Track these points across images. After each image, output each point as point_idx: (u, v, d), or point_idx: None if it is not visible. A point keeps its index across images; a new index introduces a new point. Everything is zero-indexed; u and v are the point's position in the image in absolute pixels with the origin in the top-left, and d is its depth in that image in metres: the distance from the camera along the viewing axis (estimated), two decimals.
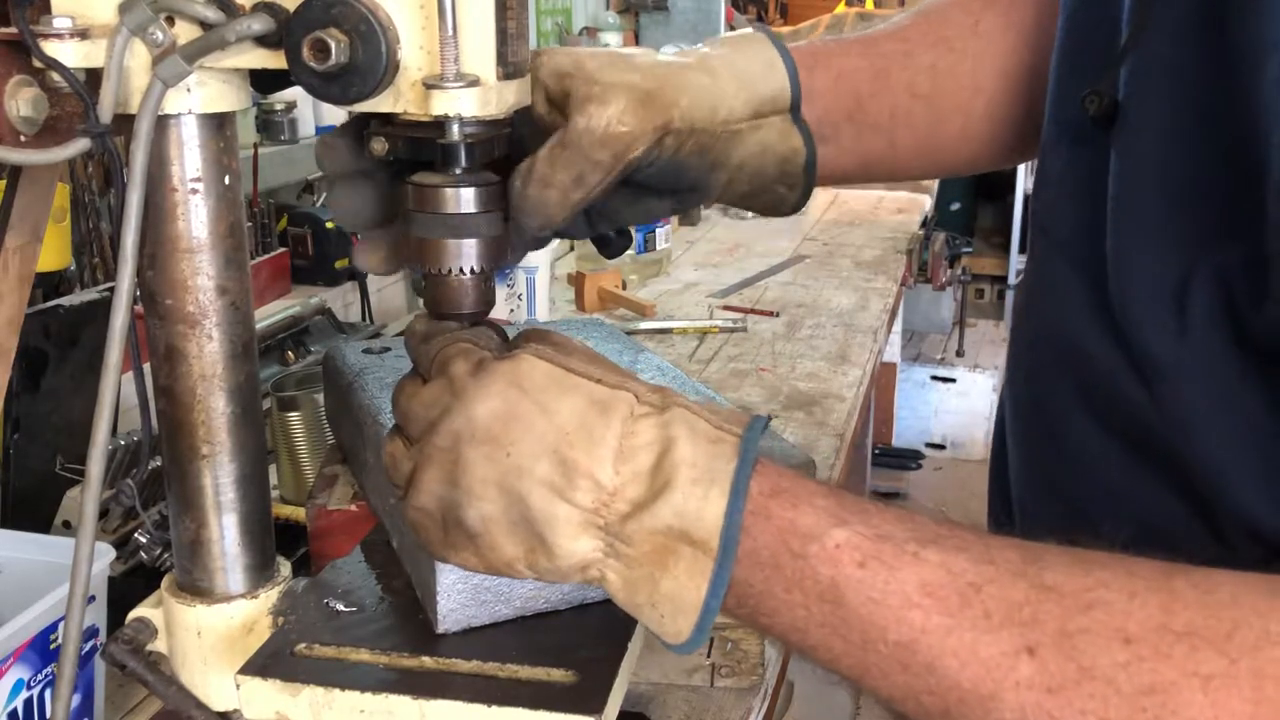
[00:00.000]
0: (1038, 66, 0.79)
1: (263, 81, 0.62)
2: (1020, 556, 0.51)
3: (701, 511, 0.53)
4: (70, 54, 0.58)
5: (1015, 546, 0.52)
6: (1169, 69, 0.60)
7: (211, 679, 0.68)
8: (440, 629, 0.65)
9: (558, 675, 0.61)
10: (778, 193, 0.75)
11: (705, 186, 0.72)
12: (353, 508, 0.85)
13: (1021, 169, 4.86)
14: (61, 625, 0.65)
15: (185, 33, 0.58)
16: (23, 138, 0.60)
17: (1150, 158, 0.61)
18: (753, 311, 2.07)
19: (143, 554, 1.02)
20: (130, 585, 0.93)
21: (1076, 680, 0.47)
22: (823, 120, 0.77)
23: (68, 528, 1.09)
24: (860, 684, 0.53)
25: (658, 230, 2.29)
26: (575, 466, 0.54)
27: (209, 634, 0.68)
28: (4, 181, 0.66)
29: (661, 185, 0.70)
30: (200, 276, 0.63)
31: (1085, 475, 0.66)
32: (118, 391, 0.61)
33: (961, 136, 0.83)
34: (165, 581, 0.70)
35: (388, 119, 0.60)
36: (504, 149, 0.62)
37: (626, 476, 0.54)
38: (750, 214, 1.90)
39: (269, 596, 0.69)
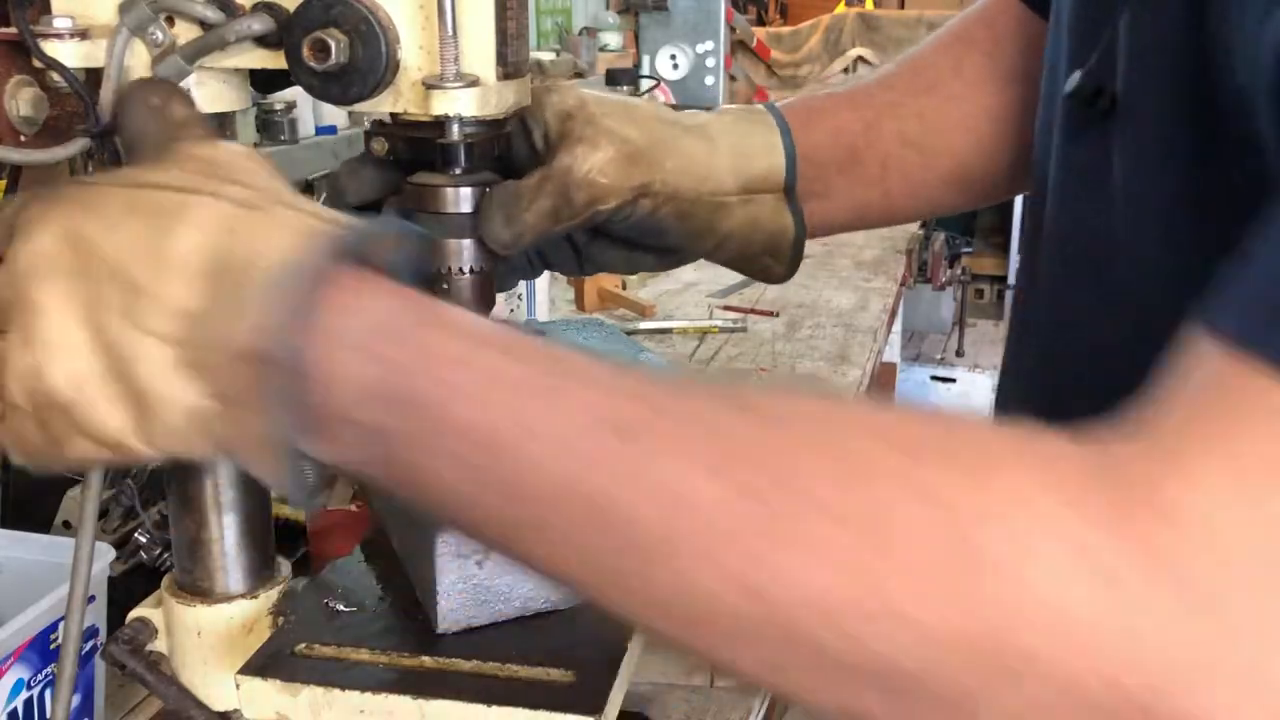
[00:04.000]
0: (1026, 101, 0.80)
1: (263, 81, 0.62)
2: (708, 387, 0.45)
3: (252, 315, 0.44)
4: (70, 54, 0.58)
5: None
6: (1159, 48, 0.58)
7: (211, 679, 0.68)
8: (440, 629, 0.65)
9: (557, 675, 0.61)
10: (764, 263, 0.76)
11: (686, 250, 0.73)
12: (353, 508, 0.85)
13: None
14: (61, 625, 0.65)
15: (185, 33, 0.58)
16: (23, 138, 0.60)
17: (1151, 143, 0.59)
18: (753, 311, 2.07)
19: (142, 554, 1.02)
20: (130, 585, 0.93)
21: (794, 513, 0.39)
22: (817, 176, 0.78)
23: (68, 528, 1.09)
24: (513, 547, 0.46)
25: None
26: (143, 289, 0.45)
27: (209, 634, 0.68)
28: (4, 181, 0.66)
29: (642, 241, 0.72)
30: None
31: None
32: None
33: (952, 178, 0.84)
34: (165, 581, 0.70)
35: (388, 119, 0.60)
36: (504, 148, 0.63)
37: (204, 293, 0.45)
38: None
39: (269, 596, 0.69)
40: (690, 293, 2.21)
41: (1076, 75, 0.64)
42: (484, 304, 0.63)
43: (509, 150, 0.65)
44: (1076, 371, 0.67)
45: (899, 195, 0.83)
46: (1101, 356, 0.63)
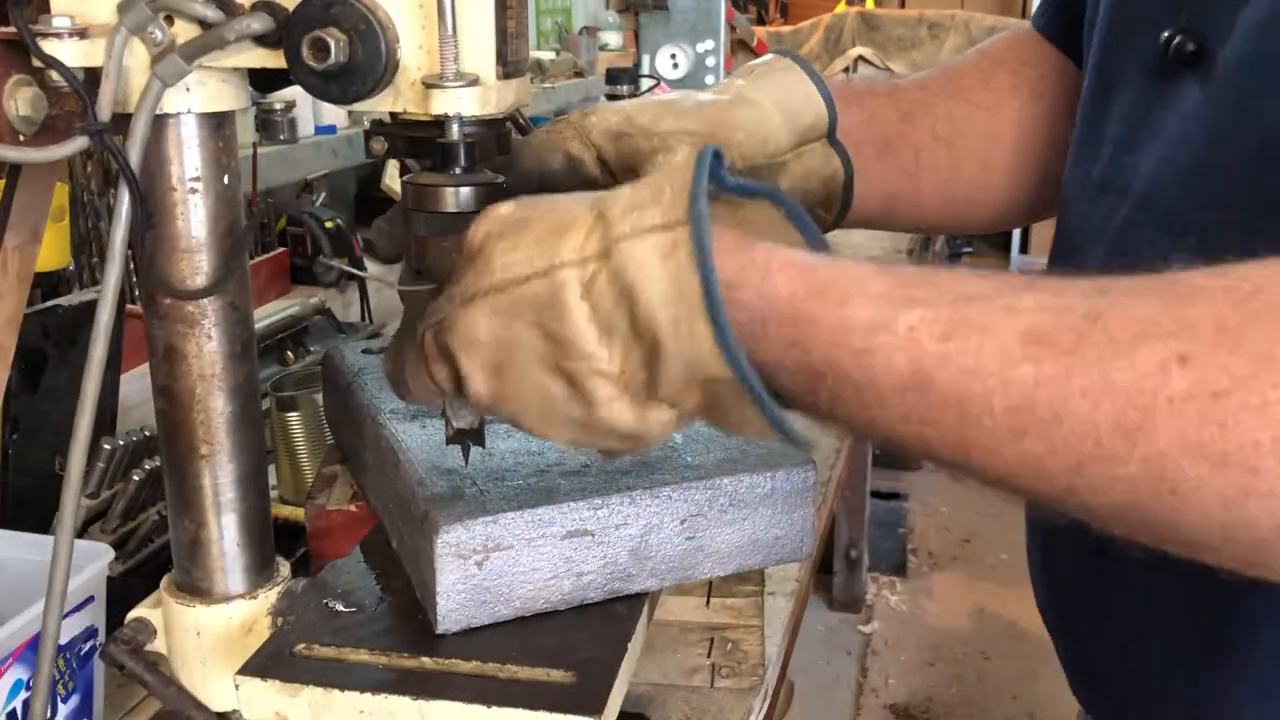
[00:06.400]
0: (1049, 123, 0.82)
1: (262, 81, 0.62)
2: (1143, 278, 0.45)
3: (700, 354, 0.48)
4: (69, 53, 0.58)
5: (1132, 277, 0.46)
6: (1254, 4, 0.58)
7: (211, 679, 0.68)
8: (440, 629, 0.65)
9: (557, 676, 0.61)
10: (817, 215, 0.76)
11: None
12: (352, 508, 0.85)
13: None
14: (60, 624, 0.65)
15: (184, 32, 0.58)
16: (22, 137, 0.60)
17: (1246, 101, 0.58)
18: None
19: (153, 539, 1.03)
20: (130, 585, 0.93)
21: (1252, 372, 0.40)
22: (853, 154, 0.78)
23: None
24: (963, 470, 0.48)
25: None
26: (575, 377, 0.51)
27: (208, 634, 0.68)
28: (3, 181, 0.66)
29: None
30: (199, 276, 0.63)
31: None
32: (99, 391, 0.60)
33: (981, 185, 0.85)
34: (164, 581, 0.70)
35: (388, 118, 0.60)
36: (505, 148, 0.63)
37: (620, 354, 0.50)
38: None
39: (268, 596, 0.69)
40: None
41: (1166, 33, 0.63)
42: None
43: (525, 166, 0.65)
44: None
45: (930, 192, 0.84)
46: None
